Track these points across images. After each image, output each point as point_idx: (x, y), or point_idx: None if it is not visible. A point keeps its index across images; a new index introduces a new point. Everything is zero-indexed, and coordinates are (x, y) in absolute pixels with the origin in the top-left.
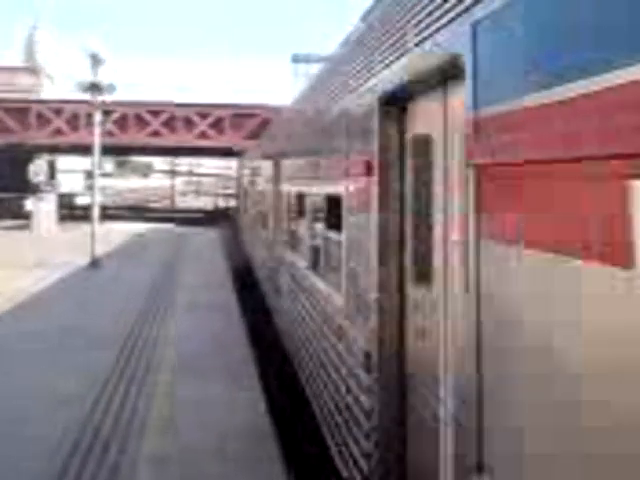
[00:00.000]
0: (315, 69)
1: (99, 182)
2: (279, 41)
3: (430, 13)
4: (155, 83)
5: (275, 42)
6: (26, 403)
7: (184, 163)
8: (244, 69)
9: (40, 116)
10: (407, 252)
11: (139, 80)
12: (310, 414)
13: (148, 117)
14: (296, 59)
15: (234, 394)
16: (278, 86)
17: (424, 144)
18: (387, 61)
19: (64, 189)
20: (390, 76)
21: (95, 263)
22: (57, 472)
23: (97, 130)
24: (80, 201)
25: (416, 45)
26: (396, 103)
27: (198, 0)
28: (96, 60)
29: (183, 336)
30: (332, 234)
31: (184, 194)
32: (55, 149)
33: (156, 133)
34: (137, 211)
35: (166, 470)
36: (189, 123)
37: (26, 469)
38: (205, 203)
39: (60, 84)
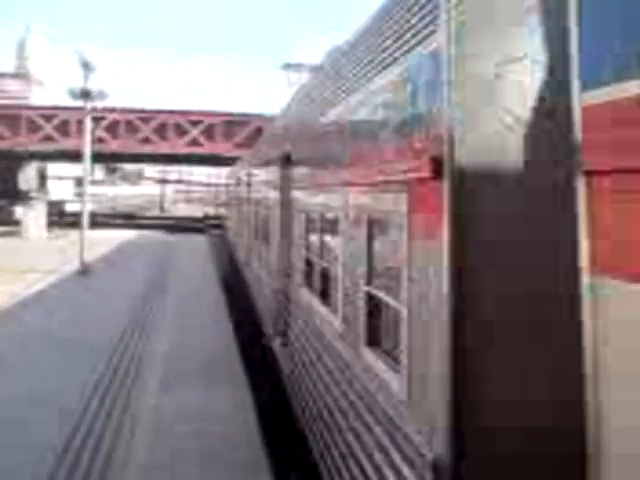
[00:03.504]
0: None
1: (89, 189)
2: (270, 49)
3: None
4: (149, 89)
5: (266, 50)
6: None
7: (174, 171)
8: (236, 76)
9: (30, 122)
10: None
11: (131, 80)
12: None
13: (139, 124)
14: (287, 67)
15: None
16: (270, 94)
17: None
18: None
19: (54, 196)
20: None
21: (84, 270)
22: None
23: (88, 137)
24: (70, 208)
25: None
26: None
27: (193, 6)
28: (88, 67)
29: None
30: None
31: (174, 202)
32: (45, 156)
33: (147, 140)
34: (127, 218)
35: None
36: (180, 130)
37: None
38: (194, 211)
39: (51, 90)
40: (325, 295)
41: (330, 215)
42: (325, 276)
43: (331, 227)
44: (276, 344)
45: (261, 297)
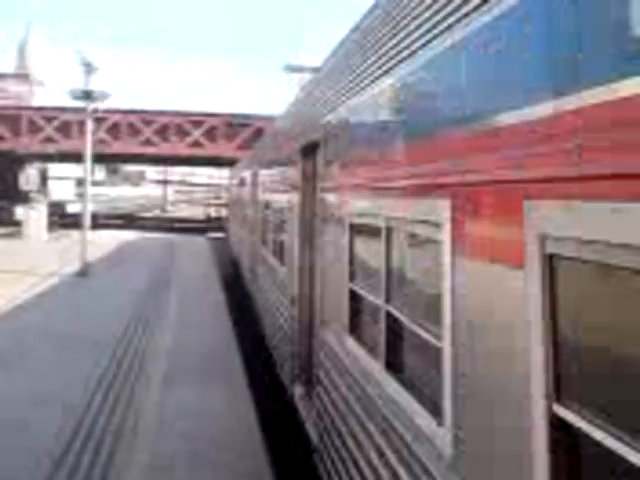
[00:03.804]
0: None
1: (90, 190)
2: (271, 50)
3: None
4: (151, 90)
5: (267, 51)
6: None
7: (176, 172)
8: (237, 77)
9: (31, 123)
10: None
11: (135, 80)
12: None
13: (141, 126)
14: (289, 68)
15: None
16: (272, 96)
17: None
18: None
19: (55, 197)
20: None
21: (86, 272)
22: None
23: (89, 138)
24: (71, 209)
25: None
26: None
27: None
28: (89, 67)
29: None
30: None
31: (176, 203)
32: (46, 157)
33: (149, 141)
34: (128, 220)
35: None
36: (182, 132)
37: None
38: (196, 213)
39: (53, 90)
40: (397, 365)
41: (408, 232)
42: (395, 330)
43: (415, 252)
44: (297, 392)
45: (271, 323)
